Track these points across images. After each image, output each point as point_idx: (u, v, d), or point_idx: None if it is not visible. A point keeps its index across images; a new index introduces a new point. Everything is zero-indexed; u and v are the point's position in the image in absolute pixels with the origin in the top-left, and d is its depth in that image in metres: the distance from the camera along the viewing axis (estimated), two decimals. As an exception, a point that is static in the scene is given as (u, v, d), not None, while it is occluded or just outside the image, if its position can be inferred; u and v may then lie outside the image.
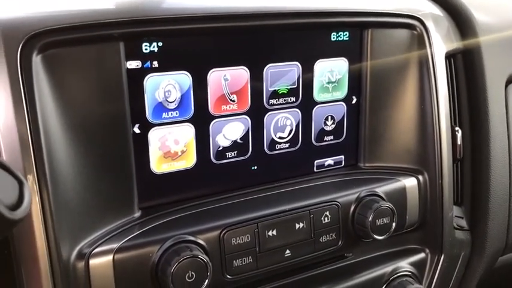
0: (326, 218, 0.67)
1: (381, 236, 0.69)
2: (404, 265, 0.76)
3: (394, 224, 0.69)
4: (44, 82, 0.51)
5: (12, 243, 0.51)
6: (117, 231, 0.58)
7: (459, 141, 0.80)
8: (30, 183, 0.50)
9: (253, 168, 0.69)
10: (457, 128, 0.81)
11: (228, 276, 0.61)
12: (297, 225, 0.65)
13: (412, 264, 0.77)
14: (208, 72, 0.62)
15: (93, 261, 0.55)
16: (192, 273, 0.56)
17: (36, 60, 0.51)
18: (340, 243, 0.69)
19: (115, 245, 0.56)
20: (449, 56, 0.81)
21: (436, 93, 0.75)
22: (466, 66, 0.86)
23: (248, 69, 0.64)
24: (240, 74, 0.64)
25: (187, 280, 0.55)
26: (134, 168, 0.60)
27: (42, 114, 0.51)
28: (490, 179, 0.87)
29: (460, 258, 0.87)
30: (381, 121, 0.76)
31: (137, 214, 0.61)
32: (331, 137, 0.74)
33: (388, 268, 0.75)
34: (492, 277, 1.00)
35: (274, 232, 0.64)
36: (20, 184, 0.36)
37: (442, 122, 0.75)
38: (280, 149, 0.70)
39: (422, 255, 0.79)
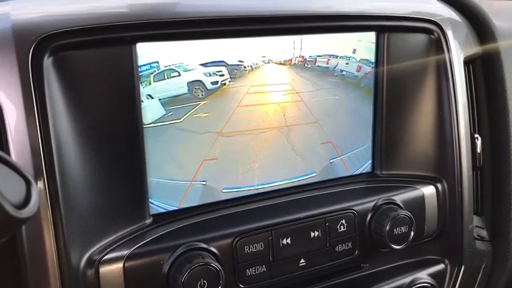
0: (342, 227, 0.66)
1: (399, 245, 0.66)
2: (423, 276, 0.74)
3: (412, 233, 0.67)
4: (55, 84, 0.51)
5: (21, 249, 0.50)
6: (128, 237, 0.57)
7: (479, 149, 0.78)
8: (40, 187, 0.49)
9: (266, 174, 0.67)
10: (476, 135, 0.78)
11: (241, 286, 0.60)
12: (312, 234, 0.64)
13: (431, 275, 0.75)
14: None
15: (103, 269, 0.53)
16: (204, 281, 0.54)
17: (48, 62, 0.50)
18: (356, 252, 0.67)
19: (126, 252, 0.54)
20: (468, 62, 0.79)
21: (454, 100, 0.73)
22: (485, 72, 0.84)
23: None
24: (253, 78, 0.63)
25: (199, 288, 0.54)
26: (146, 171, 0.59)
27: (53, 116, 0.50)
28: (511, 188, 0.84)
29: (481, 270, 0.84)
30: (398, 127, 0.74)
31: (149, 221, 0.59)
32: (348, 142, 0.72)
33: (406, 279, 0.72)
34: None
35: (289, 240, 0.62)
36: (28, 183, 0.35)
37: (461, 129, 0.73)
38: (294, 155, 0.69)
39: (441, 266, 0.76)
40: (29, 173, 0.48)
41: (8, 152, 0.49)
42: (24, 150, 0.49)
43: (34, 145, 0.49)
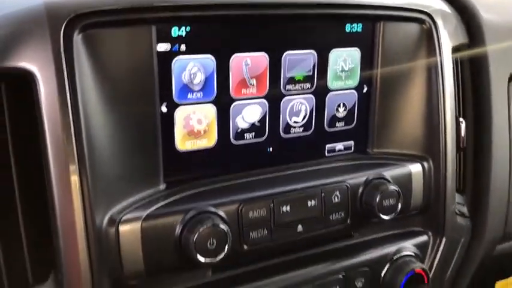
0: (336, 198, 0.72)
1: (387, 215, 0.73)
2: (408, 246, 0.80)
3: (399, 205, 0.73)
4: (84, 59, 0.56)
5: (52, 210, 0.55)
6: (144, 201, 0.62)
7: (463, 132, 0.85)
8: (70, 151, 0.55)
9: (269, 150, 0.73)
10: (461, 119, 0.85)
11: (245, 247, 0.66)
12: (309, 203, 0.70)
13: (415, 245, 0.82)
14: (231, 56, 0.66)
15: (122, 228, 0.59)
16: (214, 240, 0.60)
17: (77, 38, 0.55)
18: (348, 221, 0.73)
19: (143, 213, 0.60)
20: (456, 51, 0.85)
21: (442, 86, 0.79)
22: (472, 61, 0.90)
23: (268, 55, 0.69)
24: (260, 60, 0.68)
25: (209, 247, 0.60)
26: (161, 144, 0.64)
27: (81, 87, 0.55)
28: (490, 170, 0.91)
29: (461, 243, 0.91)
30: (390, 110, 0.80)
31: (162, 187, 0.65)
32: (343, 123, 0.78)
33: (392, 248, 0.79)
34: (490, 265, 1.04)
35: (288, 208, 0.68)
36: None
37: (448, 113, 0.80)
38: (294, 132, 0.75)
39: (425, 237, 0.83)
40: (60, 137, 0.54)
41: (41, 118, 0.54)
42: (55, 117, 0.54)
43: (64, 113, 0.54)
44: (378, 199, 0.72)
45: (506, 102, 0.93)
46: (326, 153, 0.79)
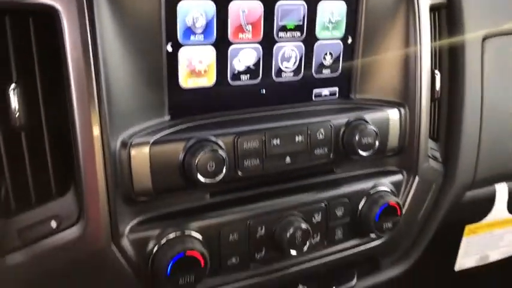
0: (321, 135, 0.81)
1: (365, 152, 0.82)
2: (384, 182, 0.90)
3: (377, 144, 0.82)
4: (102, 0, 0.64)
5: (74, 129, 0.64)
6: (151, 129, 0.71)
7: (437, 83, 0.94)
8: (90, 77, 0.63)
9: (262, 91, 0.82)
10: (436, 72, 0.94)
11: (240, 173, 0.75)
12: (297, 138, 0.79)
13: (391, 183, 0.91)
14: (229, 3, 0.74)
15: (133, 151, 0.68)
16: (213, 163, 0.69)
17: None
18: (331, 156, 0.82)
19: (150, 139, 0.69)
20: (434, 8, 0.93)
21: (419, 40, 0.87)
22: (449, 20, 0.99)
23: (263, 4, 0.77)
24: (255, 8, 0.76)
25: (209, 169, 0.69)
26: (166, 80, 0.73)
27: (100, 25, 0.63)
28: (462, 119, 1.01)
29: (433, 185, 1.01)
30: (372, 60, 0.89)
31: (167, 118, 0.74)
32: (329, 71, 0.87)
33: (370, 183, 0.89)
34: (460, 210, 1.15)
35: (278, 141, 0.77)
36: None
37: (424, 65, 0.88)
38: (285, 77, 0.83)
39: (399, 176, 0.93)
40: (81, 64, 0.62)
41: (63, 46, 0.62)
42: (77, 46, 0.62)
43: (85, 47, 0.62)
44: (357, 137, 0.81)
45: (479, 60, 1.02)
46: (313, 98, 0.87)
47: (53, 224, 0.66)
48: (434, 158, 1.01)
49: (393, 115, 0.88)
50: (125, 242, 0.69)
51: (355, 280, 0.96)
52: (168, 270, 0.69)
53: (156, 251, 0.70)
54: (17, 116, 0.62)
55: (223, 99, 0.79)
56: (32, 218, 0.67)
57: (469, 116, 1.01)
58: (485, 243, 1.27)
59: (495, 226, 1.25)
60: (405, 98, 0.89)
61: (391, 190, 0.91)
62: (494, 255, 1.31)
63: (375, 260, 1.02)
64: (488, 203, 1.20)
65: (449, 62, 0.99)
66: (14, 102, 0.62)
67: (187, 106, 0.76)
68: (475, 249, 1.26)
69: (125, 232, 0.70)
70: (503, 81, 1.04)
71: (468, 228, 1.21)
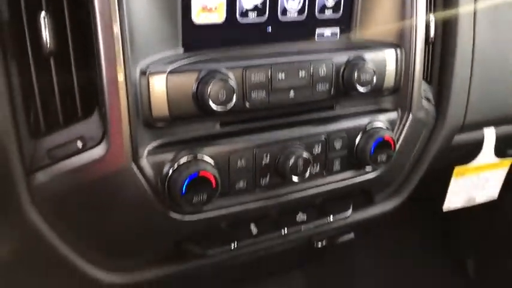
0: (322, 71, 0.87)
1: (363, 88, 0.88)
2: (380, 119, 0.97)
3: (374, 80, 0.88)
4: None
5: (99, 55, 0.70)
6: (167, 60, 0.76)
7: (432, 26, 0.99)
8: (114, 12, 0.68)
9: (268, 29, 0.87)
10: (432, 17, 0.99)
11: (247, 104, 0.81)
12: (300, 73, 0.85)
13: (386, 120, 0.98)
14: None
15: (151, 79, 0.74)
16: (224, 92, 0.75)
17: None
18: (332, 92, 0.88)
19: (167, 68, 0.74)
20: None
21: None
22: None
23: None
24: None
25: (220, 98, 0.75)
26: (180, 14, 0.78)
27: None
28: (454, 63, 1.07)
29: (425, 125, 1.08)
30: (371, 2, 0.94)
31: (181, 50, 0.79)
32: (331, 12, 0.92)
33: (366, 120, 0.95)
34: (449, 153, 1.23)
35: (283, 76, 0.83)
36: None
37: (419, 8, 0.93)
38: (290, 16, 0.88)
39: (394, 114, 0.99)
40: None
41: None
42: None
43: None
44: (356, 74, 0.87)
45: (472, 4, 1.07)
46: (316, 37, 0.93)
47: (79, 144, 0.73)
48: (428, 100, 1.08)
49: (390, 55, 0.94)
50: (144, 163, 0.76)
51: (350, 211, 1.04)
52: (184, 188, 0.76)
53: (173, 171, 0.77)
54: (46, 42, 0.68)
55: (233, 36, 0.84)
56: (59, 138, 0.73)
57: (461, 60, 1.07)
58: (472, 185, 1.36)
59: (482, 169, 1.34)
60: (401, 39, 0.95)
61: (386, 127, 0.97)
62: (481, 198, 1.40)
63: (369, 193, 1.10)
64: (476, 146, 1.28)
65: (443, 6, 1.05)
66: (44, 29, 0.67)
67: (199, 40, 0.82)
68: (463, 190, 1.35)
69: (144, 154, 0.76)
70: (494, 26, 1.10)
71: (457, 170, 1.30)
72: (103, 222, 0.82)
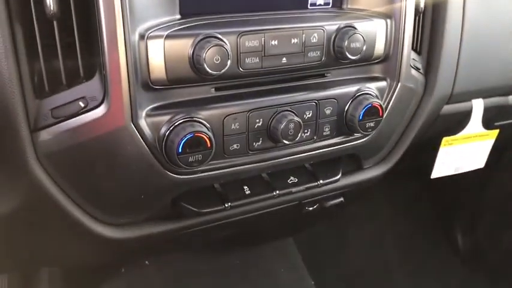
0: (314, 39, 0.90)
1: (354, 55, 0.92)
2: (369, 87, 1.01)
3: (364, 48, 0.92)
4: None
5: (99, 20, 0.73)
6: (164, 25, 0.80)
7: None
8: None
9: (260, -5, 0.91)
10: (422, -13, 1.02)
11: (241, 70, 0.85)
12: (293, 40, 0.88)
13: (376, 88, 1.02)
14: None
15: (149, 42, 0.77)
16: (218, 57, 0.79)
17: None
18: (323, 59, 0.92)
19: (164, 33, 0.78)
20: None
21: None
22: None
23: None
24: None
25: (215, 61, 0.79)
26: None
27: None
28: (444, 34, 1.10)
29: (414, 94, 1.12)
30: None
31: (178, 16, 0.83)
32: (323, -18, 0.95)
33: (356, 87, 0.99)
34: (437, 123, 1.27)
35: (276, 42, 0.87)
36: None
37: None
38: (283, -16, 0.92)
39: (383, 82, 1.03)
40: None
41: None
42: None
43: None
44: (346, 42, 0.91)
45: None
46: (309, 6, 0.96)
47: (81, 104, 0.77)
48: (417, 69, 1.11)
49: (380, 24, 0.97)
50: (142, 123, 0.81)
51: (339, 175, 1.09)
52: (180, 148, 0.81)
53: (169, 132, 0.82)
54: (50, 5, 0.71)
55: (228, 3, 0.88)
56: (62, 99, 0.78)
57: (450, 30, 1.11)
58: (460, 155, 1.41)
59: (470, 139, 1.38)
60: (392, 9, 0.98)
61: (375, 94, 1.01)
62: (468, 166, 1.46)
63: (358, 159, 1.15)
64: (465, 117, 1.32)
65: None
66: (48, -8, 0.71)
67: (196, 7, 0.85)
68: (451, 159, 1.40)
69: (142, 115, 0.81)
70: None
71: (445, 139, 1.34)
72: (103, 180, 0.87)
